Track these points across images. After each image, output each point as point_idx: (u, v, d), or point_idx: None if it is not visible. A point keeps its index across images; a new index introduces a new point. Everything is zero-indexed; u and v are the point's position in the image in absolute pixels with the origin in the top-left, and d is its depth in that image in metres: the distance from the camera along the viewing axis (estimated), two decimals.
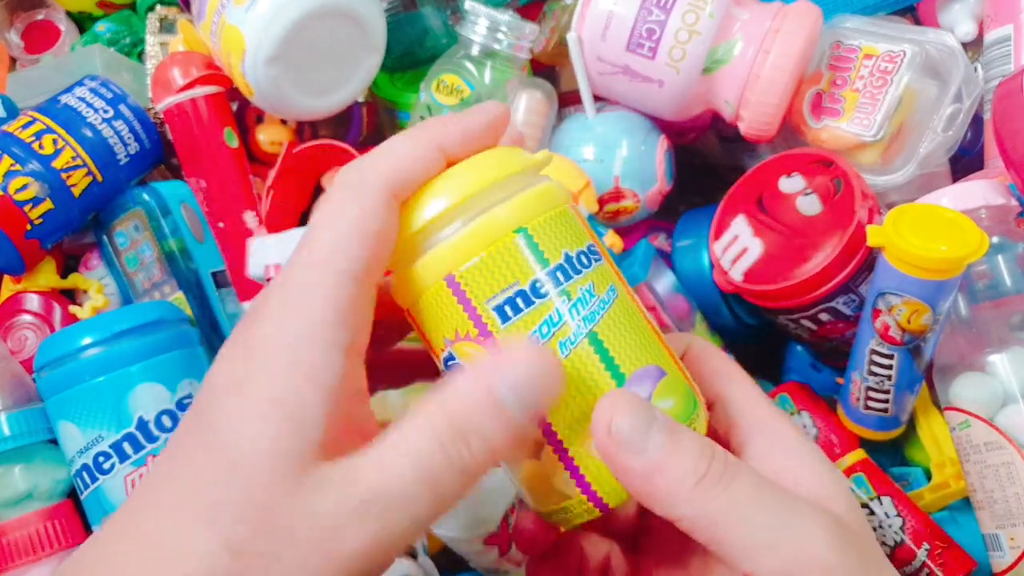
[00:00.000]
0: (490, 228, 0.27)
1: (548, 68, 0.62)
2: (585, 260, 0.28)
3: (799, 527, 0.24)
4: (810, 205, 0.48)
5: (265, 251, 0.52)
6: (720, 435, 0.29)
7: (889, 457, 0.52)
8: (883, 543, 0.46)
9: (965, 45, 0.53)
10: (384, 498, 0.22)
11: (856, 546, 0.24)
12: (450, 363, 0.28)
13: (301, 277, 0.24)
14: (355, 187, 0.25)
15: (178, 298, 0.52)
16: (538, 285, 0.27)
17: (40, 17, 0.68)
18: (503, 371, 0.23)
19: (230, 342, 0.24)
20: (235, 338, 0.24)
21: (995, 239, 0.45)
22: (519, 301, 0.27)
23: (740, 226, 0.51)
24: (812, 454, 0.27)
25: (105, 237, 0.55)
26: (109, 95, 0.54)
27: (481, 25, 0.52)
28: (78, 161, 0.51)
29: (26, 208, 0.49)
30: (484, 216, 0.27)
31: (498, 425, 0.23)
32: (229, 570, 0.21)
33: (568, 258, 0.28)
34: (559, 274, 0.27)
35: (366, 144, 0.61)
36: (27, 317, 0.53)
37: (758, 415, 0.28)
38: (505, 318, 0.27)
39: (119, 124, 0.53)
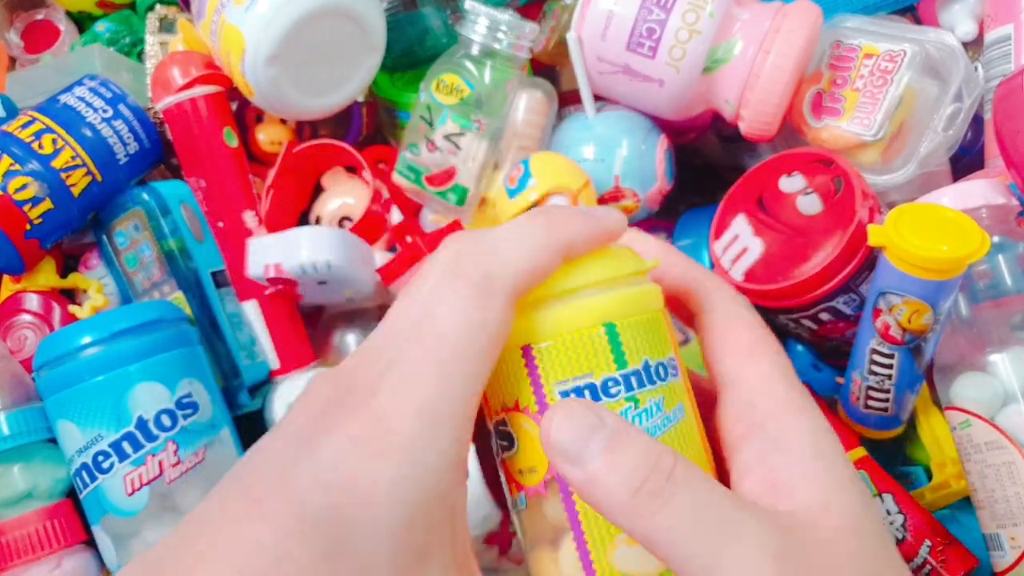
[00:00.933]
0: (580, 314, 0.26)
1: (548, 68, 0.62)
2: (663, 372, 0.27)
3: (740, 552, 0.22)
4: (810, 205, 0.48)
5: (264, 251, 0.52)
6: (728, 425, 0.27)
7: (890, 456, 0.52)
8: None
9: (965, 44, 0.53)
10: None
11: (809, 572, 0.23)
12: (501, 428, 0.28)
13: (444, 383, 0.23)
14: (481, 286, 0.24)
15: (177, 298, 0.52)
16: (610, 384, 0.26)
17: (40, 17, 0.68)
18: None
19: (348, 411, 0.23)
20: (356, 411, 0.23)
21: (996, 239, 0.45)
22: (587, 393, 0.26)
23: (740, 226, 0.51)
24: (816, 456, 0.25)
25: (104, 237, 0.54)
26: (108, 95, 0.54)
27: (481, 24, 0.52)
28: (77, 161, 0.51)
29: (25, 208, 0.49)
30: (577, 300, 0.27)
31: None
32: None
33: (647, 366, 0.27)
34: (633, 379, 0.27)
35: (366, 144, 0.61)
36: (26, 317, 0.53)
37: (765, 407, 0.26)
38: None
39: (119, 124, 0.53)
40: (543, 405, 0.26)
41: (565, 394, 0.26)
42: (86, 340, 0.45)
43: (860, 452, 0.49)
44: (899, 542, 0.46)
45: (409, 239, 0.56)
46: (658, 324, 0.28)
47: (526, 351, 0.27)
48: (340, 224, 0.58)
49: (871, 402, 0.47)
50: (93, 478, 0.44)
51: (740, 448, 0.26)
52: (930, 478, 0.50)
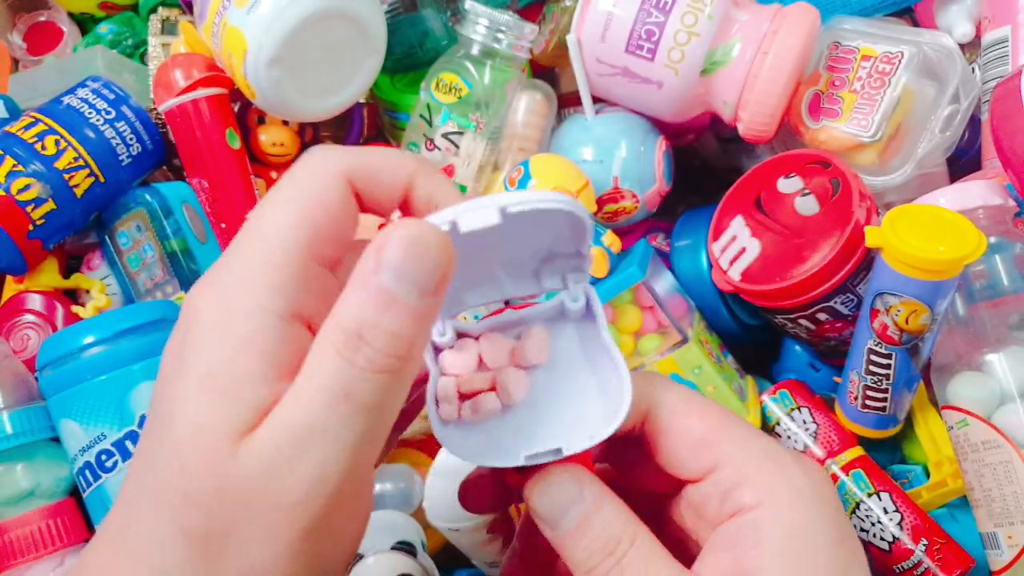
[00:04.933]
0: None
1: (548, 70, 0.62)
2: None
3: None
4: (808, 205, 0.48)
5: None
6: (697, 511, 0.27)
7: (888, 455, 0.52)
8: (880, 539, 0.46)
9: (963, 46, 0.53)
10: (309, 430, 0.21)
11: None
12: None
13: (242, 250, 0.23)
14: (310, 166, 0.24)
15: (180, 298, 0.52)
16: None
17: (42, 18, 0.68)
18: (381, 262, 0.21)
19: (173, 334, 0.24)
20: (176, 328, 0.23)
21: (993, 239, 0.45)
22: None
23: (738, 226, 0.51)
24: (785, 552, 0.24)
25: (107, 237, 0.55)
26: (111, 96, 0.54)
27: (481, 25, 0.52)
28: (80, 162, 0.51)
29: (28, 208, 0.50)
30: None
31: (393, 314, 0.21)
32: (192, 556, 0.21)
33: None
34: None
35: (366, 144, 0.61)
36: (29, 317, 0.53)
37: (737, 498, 0.25)
38: None
39: (121, 125, 0.54)
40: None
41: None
42: (89, 340, 0.45)
43: (858, 451, 0.49)
44: (895, 541, 0.46)
45: None
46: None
47: None
48: None
49: (868, 402, 0.47)
50: (96, 477, 0.44)
51: (712, 532, 0.26)
52: (927, 477, 0.50)
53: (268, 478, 0.21)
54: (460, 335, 0.27)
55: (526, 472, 0.26)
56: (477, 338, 0.27)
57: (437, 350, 0.27)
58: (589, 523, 0.25)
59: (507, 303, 0.42)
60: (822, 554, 0.24)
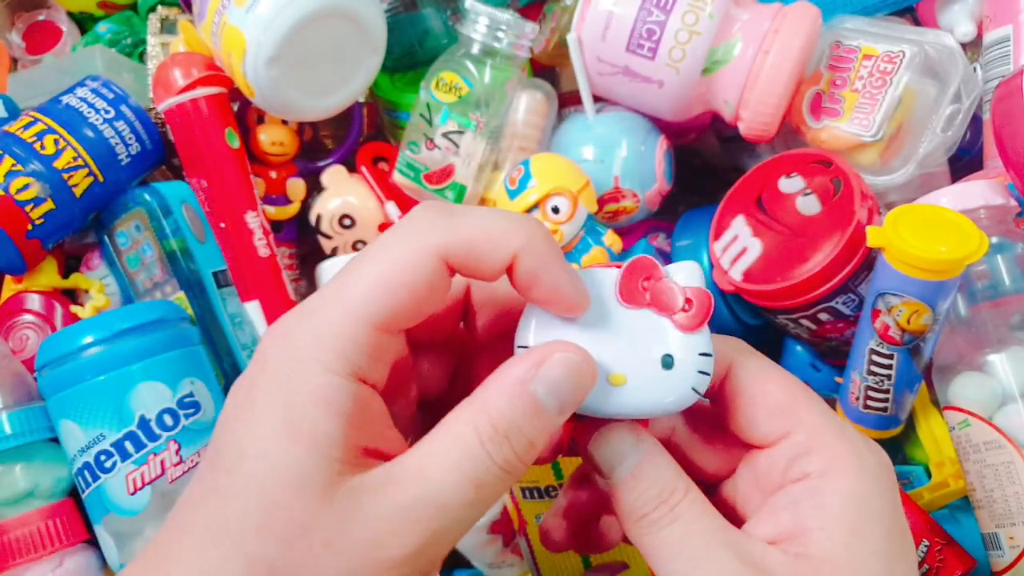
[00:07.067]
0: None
1: (548, 69, 0.62)
2: None
3: None
4: (809, 205, 0.48)
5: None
6: (779, 471, 0.27)
7: (889, 456, 0.52)
8: None
9: (964, 45, 0.53)
10: (430, 502, 0.22)
11: None
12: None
13: (321, 309, 0.24)
14: (406, 241, 0.24)
15: (179, 298, 0.52)
16: (550, 488, 0.43)
17: (41, 18, 0.68)
18: (540, 373, 0.24)
19: (244, 374, 0.25)
20: (248, 370, 0.24)
21: (994, 239, 0.45)
22: (535, 493, 0.44)
23: (740, 226, 0.51)
24: (847, 517, 0.25)
25: (106, 237, 0.55)
26: (110, 95, 0.54)
27: (481, 24, 0.52)
28: (79, 161, 0.51)
29: (27, 208, 0.49)
30: None
31: (537, 424, 0.24)
32: None
33: None
34: None
35: (365, 143, 0.61)
36: (28, 317, 0.53)
37: (804, 465, 0.26)
38: (524, 497, 0.44)
39: (120, 124, 0.53)
40: (512, 495, 0.45)
41: (523, 490, 0.44)
42: (88, 340, 0.45)
43: None
44: None
45: None
46: None
47: None
48: (340, 222, 0.58)
49: (870, 402, 0.47)
50: (95, 477, 0.44)
51: (764, 502, 0.27)
52: (929, 478, 0.50)
53: (369, 532, 0.22)
54: None
55: (583, 423, 0.27)
56: None
57: None
58: (644, 472, 0.26)
59: None
60: (880, 523, 0.25)
